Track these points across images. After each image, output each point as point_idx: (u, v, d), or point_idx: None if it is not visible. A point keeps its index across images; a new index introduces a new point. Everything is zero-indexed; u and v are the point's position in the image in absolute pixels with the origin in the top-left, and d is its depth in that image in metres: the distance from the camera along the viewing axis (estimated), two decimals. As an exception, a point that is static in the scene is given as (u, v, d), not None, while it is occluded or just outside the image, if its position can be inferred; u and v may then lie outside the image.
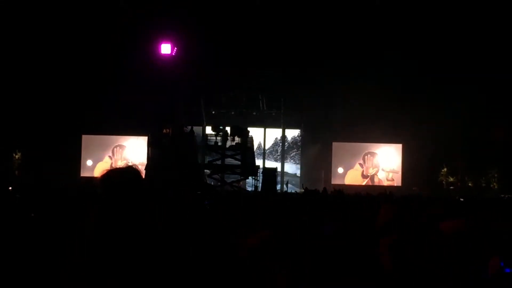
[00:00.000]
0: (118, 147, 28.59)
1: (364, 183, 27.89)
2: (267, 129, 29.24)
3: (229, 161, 24.11)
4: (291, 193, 20.79)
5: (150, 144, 24.75)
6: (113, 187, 3.15)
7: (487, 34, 23.22)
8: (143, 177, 3.29)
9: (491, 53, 23.57)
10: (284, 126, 29.07)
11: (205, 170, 25.26)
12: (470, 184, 25.23)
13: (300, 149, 29.12)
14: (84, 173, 27.54)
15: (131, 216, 3.08)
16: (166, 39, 25.34)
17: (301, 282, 4.05)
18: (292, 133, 29.51)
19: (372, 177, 28.38)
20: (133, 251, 2.98)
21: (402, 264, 3.90)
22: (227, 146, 23.81)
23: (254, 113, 28.42)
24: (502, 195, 22.09)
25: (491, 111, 24.51)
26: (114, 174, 3.22)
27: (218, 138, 23.85)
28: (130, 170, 3.26)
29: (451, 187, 25.24)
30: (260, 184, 22.97)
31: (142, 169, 24.54)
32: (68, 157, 26.35)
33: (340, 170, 28.37)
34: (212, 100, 28.07)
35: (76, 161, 27.61)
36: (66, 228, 3.61)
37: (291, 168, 29.28)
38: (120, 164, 27.05)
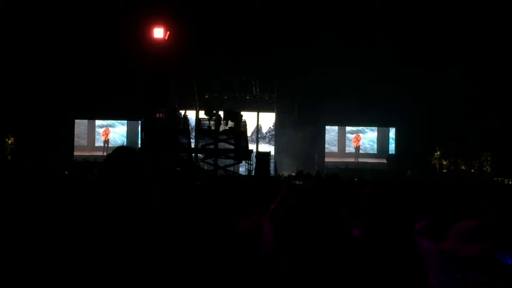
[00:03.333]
0: (109, 132, 28.89)
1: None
2: (260, 113, 29.22)
3: (223, 145, 24.07)
4: (284, 176, 20.80)
5: (143, 129, 24.68)
6: (112, 163, 3.24)
7: (483, 23, 23.29)
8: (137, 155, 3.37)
9: (485, 40, 23.66)
10: (278, 110, 29.04)
11: (198, 155, 25.25)
12: (463, 168, 25.26)
13: (293, 133, 29.08)
14: (78, 153, 27.86)
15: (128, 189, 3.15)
16: (159, 23, 25.22)
17: (296, 266, 4.06)
18: (286, 117, 29.43)
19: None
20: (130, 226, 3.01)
21: None
22: (220, 130, 23.77)
23: (248, 97, 28.36)
24: (495, 178, 22.17)
25: (484, 93, 24.55)
26: (113, 153, 3.32)
27: (211, 122, 23.79)
28: (125, 149, 3.35)
29: (444, 171, 25.31)
30: (254, 168, 23.01)
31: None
32: (62, 142, 26.38)
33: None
34: (205, 84, 27.99)
35: (69, 146, 27.65)
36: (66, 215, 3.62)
37: (285, 151, 29.26)
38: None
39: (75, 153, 27.87)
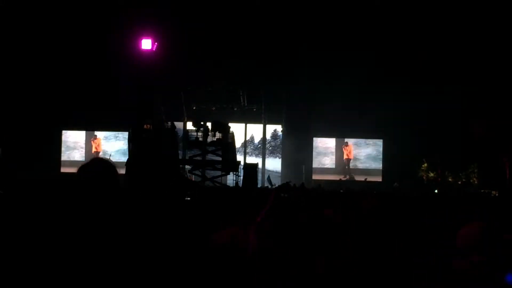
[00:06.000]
0: (96, 142, 28.66)
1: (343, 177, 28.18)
2: (248, 125, 29.18)
3: (210, 156, 24.05)
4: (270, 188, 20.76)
5: (131, 140, 24.62)
6: (85, 179, 3.12)
7: (474, 35, 23.48)
8: (114, 169, 3.26)
9: (473, 52, 23.84)
10: (265, 121, 29.05)
11: (186, 166, 25.22)
12: (450, 180, 25.35)
13: (281, 144, 29.09)
14: (64, 169, 27.46)
15: (101, 206, 3.05)
16: (147, 35, 25.23)
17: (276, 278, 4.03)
18: (273, 129, 29.45)
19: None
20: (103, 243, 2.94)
21: None
22: (208, 141, 23.76)
23: (235, 109, 28.35)
24: (482, 190, 22.25)
25: (470, 106, 24.66)
26: (86, 167, 3.20)
27: (199, 133, 23.79)
28: (100, 163, 3.24)
29: (432, 182, 25.37)
30: (241, 180, 22.98)
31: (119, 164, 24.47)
32: (49, 153, 26.26)
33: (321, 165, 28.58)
34: (193, 95, 27.97)
35: (56, 157, 27.51)
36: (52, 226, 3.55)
37: (272, 163, 29.23)
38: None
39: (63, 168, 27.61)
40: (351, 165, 28.61)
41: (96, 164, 3.23)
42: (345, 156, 28.62)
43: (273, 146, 29.46)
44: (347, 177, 28.16)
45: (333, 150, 28.78)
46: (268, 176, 25.78)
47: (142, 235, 3.21)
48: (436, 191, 22.09)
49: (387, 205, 4.40)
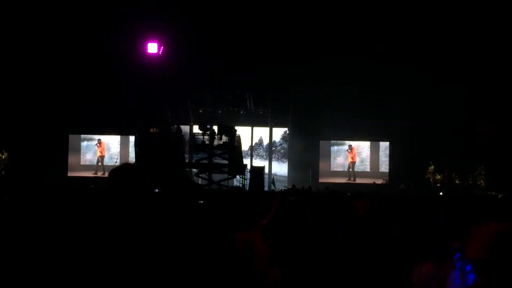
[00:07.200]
0: (101, 147, 28.60)
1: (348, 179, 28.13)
2: (254, 128, 29.15)
3: (217, 160, 24.10)
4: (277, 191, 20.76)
5: (137, 144, 24.69)
6: (117, 182, 3.14)
7: (481, 35, 23.47)
8: (143, 176, 3.28)
9: (480, 53, 23.81)
10: (272, 124, 29.03)
11: (192, 169, 25.27)
12: (457, 182, 25.29)
13: (287, 147, 29.07)
14: (71, 174, 27.53)
15: (131, 210, 3.07)
16: (153, 38, 25.29)
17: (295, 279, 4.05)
18: (280, 132, 29.42)
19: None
20: (131, 246, 2.96)
21: None
22: (215, 145, 23.80)
23: (242, 112, 28.36)
24: (489, 192, 22.19)
25: (477, 107, 24.61)
26: (118, 171, 3.22)
27: (206, 137, 23.83)
28: (132, 168, 3.27)
29: (438, 185, 25.33)
30: (248, 183, 23.02)
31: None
32: (55, 157, 26.29)
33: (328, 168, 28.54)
34: (199, 99, 28.01)
35: (63, 161, 27.55)
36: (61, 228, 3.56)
37: (279, 167, 29.21)
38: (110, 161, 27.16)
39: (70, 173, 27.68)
40: (356, 168, 28.54)
41: (127, 171, 3.24)
42: (349, 160, 28.55)
43: (285, 148, 29.38)
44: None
45: (340, 153, 28.75)
46: (273, 179, 25.80)
47: (153, 238, 3.24)
48: (441, 193, 22.04)
49: (382, 206, 4.41)
